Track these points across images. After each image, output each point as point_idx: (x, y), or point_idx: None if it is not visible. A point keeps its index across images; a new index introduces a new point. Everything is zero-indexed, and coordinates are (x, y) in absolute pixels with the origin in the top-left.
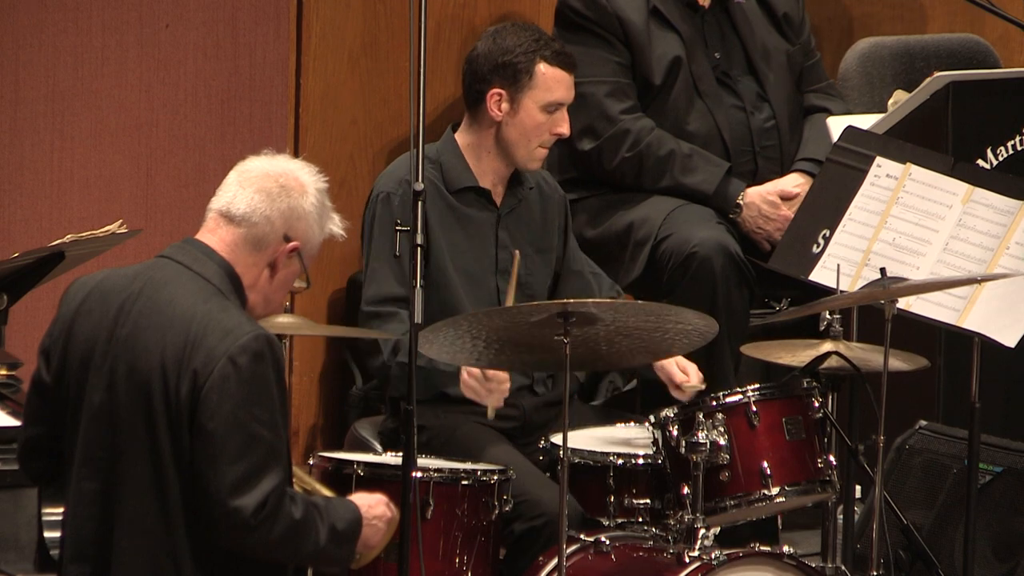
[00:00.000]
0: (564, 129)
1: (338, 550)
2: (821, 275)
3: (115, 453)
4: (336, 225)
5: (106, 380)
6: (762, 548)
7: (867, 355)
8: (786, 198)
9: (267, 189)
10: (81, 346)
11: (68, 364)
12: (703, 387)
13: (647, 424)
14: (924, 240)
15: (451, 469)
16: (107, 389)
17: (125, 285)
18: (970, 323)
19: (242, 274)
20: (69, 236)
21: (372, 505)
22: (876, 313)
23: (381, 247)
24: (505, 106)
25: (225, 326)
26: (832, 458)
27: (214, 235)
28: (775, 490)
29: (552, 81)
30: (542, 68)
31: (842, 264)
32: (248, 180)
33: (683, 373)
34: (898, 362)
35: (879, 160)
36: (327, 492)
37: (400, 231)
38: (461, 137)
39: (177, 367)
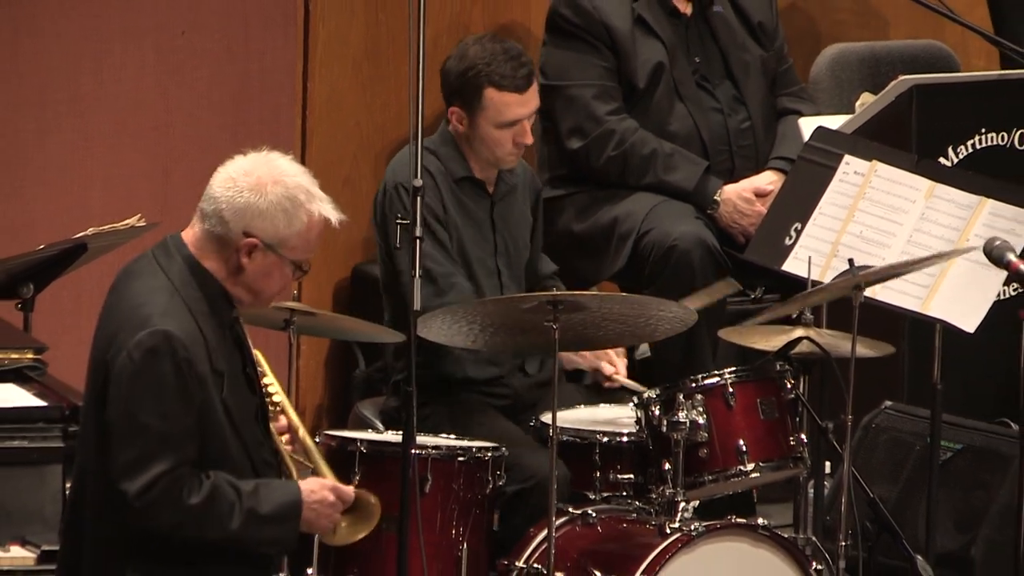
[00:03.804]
0: (526, 139)
1: (260, 532)
2: (793, 265)
3: (83, 439)
4: (329, 212)
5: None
6: (738, 520)
7: (836, 341)
8: (760, 194)
9: (227, 189)
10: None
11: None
12: (626, 380)
13: (631, 404)
14: (889, 233)
15: (448, 446)
16: (87, 371)
17: (120, 273)
18: (932, 309)
19: (212, 268)
20: (91, 229)
21: (313, 490)
22: (844, 301)
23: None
24: (465, 122)
25: (136, 321)
26: (803, 436)
27: (191, 230)
28: (750, 466)
29: (501, 105)
30: (491, 93)
31: (812, 255)
32: (220, 181)
33: (611, 365)
34: (865, 348)
35: (847, 158)
36: (327, 471)
37: (400, 224)
38: (453, 130)
39: (103, 359)
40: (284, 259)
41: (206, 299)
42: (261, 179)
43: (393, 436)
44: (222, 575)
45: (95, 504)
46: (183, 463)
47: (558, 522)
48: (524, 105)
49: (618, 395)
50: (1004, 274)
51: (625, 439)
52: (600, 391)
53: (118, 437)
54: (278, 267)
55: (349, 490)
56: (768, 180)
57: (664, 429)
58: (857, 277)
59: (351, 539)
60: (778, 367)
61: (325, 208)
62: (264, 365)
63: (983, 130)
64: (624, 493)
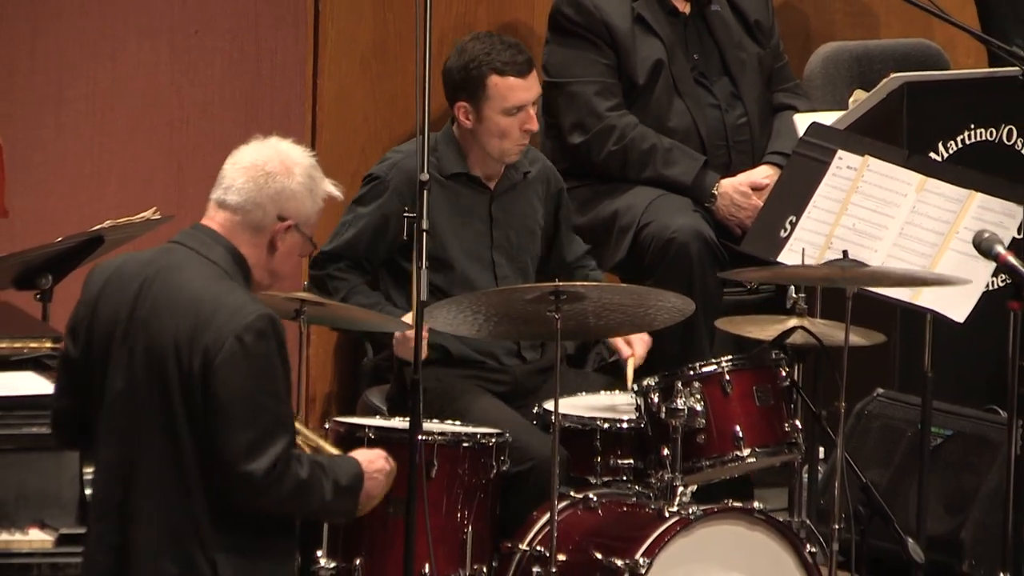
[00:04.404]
0: (532, 125)
1: (342, 502)
2: (788, 257)
3: (134, 425)
4: (332, 189)
5: (126, 358)
6: (735, 504)
7: (829, 330)
8: (756, 188)
9: (255, 178)
10: (104, 326)
11: (93, 342)
12: (629, 369)
13: (631, 391)
14: (881, 225)
15: (453, 432)
16: (127, 367)
17: (141, 270)
18: (923, 300)
19: (246, 255)
20: (108, 222)
21: (372, 460)
22: (838, 292)
23: (353, 217)
24: (472, 116)
25: (232, 307)
26: (798, 423)
27: (214, 222)
28: (747, 451)
29: (506, 90)
30: (495, 80)
31: (807, 247)
32: (238, 171)
33: (628, 347)
34: (857, 338)
35: (840, 153)
36: (333, 451)
37: (407, 217)
38: (456, 130)
39: (189, 345)
40: (305, 237)
41: (247, 285)
42: (284, 163)
43: (400, 422)
44: (284, 551)
45: (158, 487)
46: (293, 440)
47: (560, 506)
48: (528, 90)
49: (619, 383)
50: (993, 265)
51: (625, 425)
52: (599, 381)
53: (235, 420)
54: (299, 246)
55: (388, 458)
56: (764, 174)
57: (663, 416)
58: (843, 273)
59: (370, 508)
60: (773, 356)
61: (330, 185)
62: None
63: (972, 126)
64: (624, 478)
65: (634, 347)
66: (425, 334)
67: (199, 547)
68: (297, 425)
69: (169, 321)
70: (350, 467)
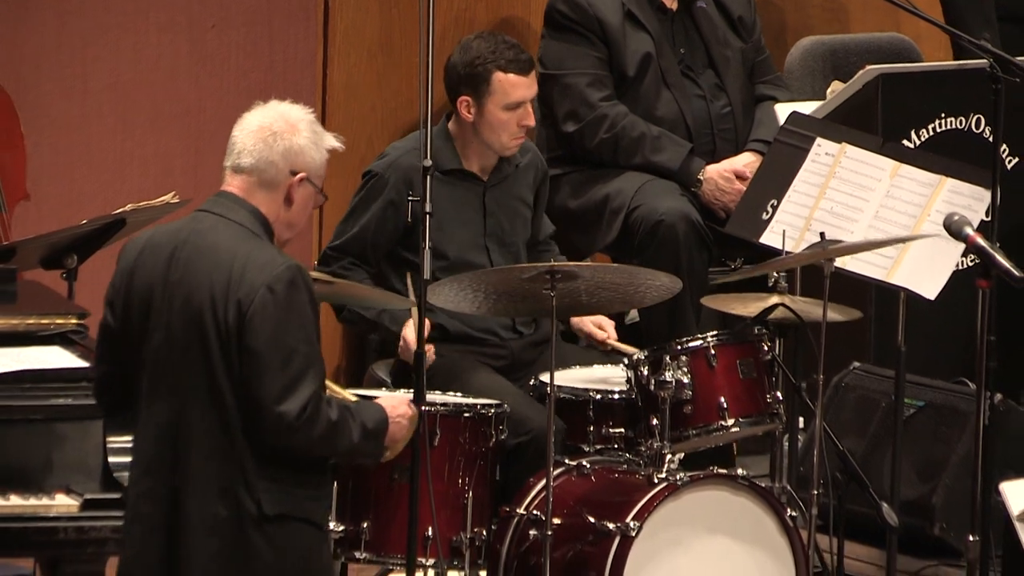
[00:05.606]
0: (529, 121)
1: (369, 444)
2: (769, 238)
3: (179, 382)
4: (333, 141)
5: (164, 319)
6: (719, 471)
7: (808, 307)
8: (740, 177)
9: (264, 138)
10: (141, 293)
11: (131, 310)
12: (617, 344)
13: (622, 365)
14: (857, 208)
15: (455, 403)
16: (166, 326)
17: (172, 238)
18: (897, 278)
19: (266, 212)
20: (129, 205)
21: (395, 405)
22: (817, 271)
23: (356, 214)
24: (473, 110)
25: (262, 261)
26: (779, 394)
27: (230, 187)
28: (731, 421)
29: (508, 86)
30: (499, 76)
31: (787, 229)
32: (247, 135)
33: (601, 330)
34: (835, 314)
35: (819, 140)
36: (352, 398)
37: (411, 201)
38: (452, 127)
39: (224, 299)
40: (316, 188)
41: (271, 241)
42: (288, 122)
43: (405, 394)
44: (320, 483)
45: (205, 436)
46: (323, 384)
47: (555, 472)
48: (528, 87)
49: (610, 356)
50: (962, 246)
51: (616, 396)
52: (592, 354)
53: (268, 364)
54: (312, 197)
55: (411, 403)
56: (746, 161)
57: (652, 388)
58: (819, 253)
59: (396, 453)
60: (756, 331)
61: (331, 138)
62: None
63: (943, 115)
64: (616, 446)
65: (607, 330)
66: (428, 330)
67: (244, 487)
68: None
69: (204, 279)
70: (376, 411)
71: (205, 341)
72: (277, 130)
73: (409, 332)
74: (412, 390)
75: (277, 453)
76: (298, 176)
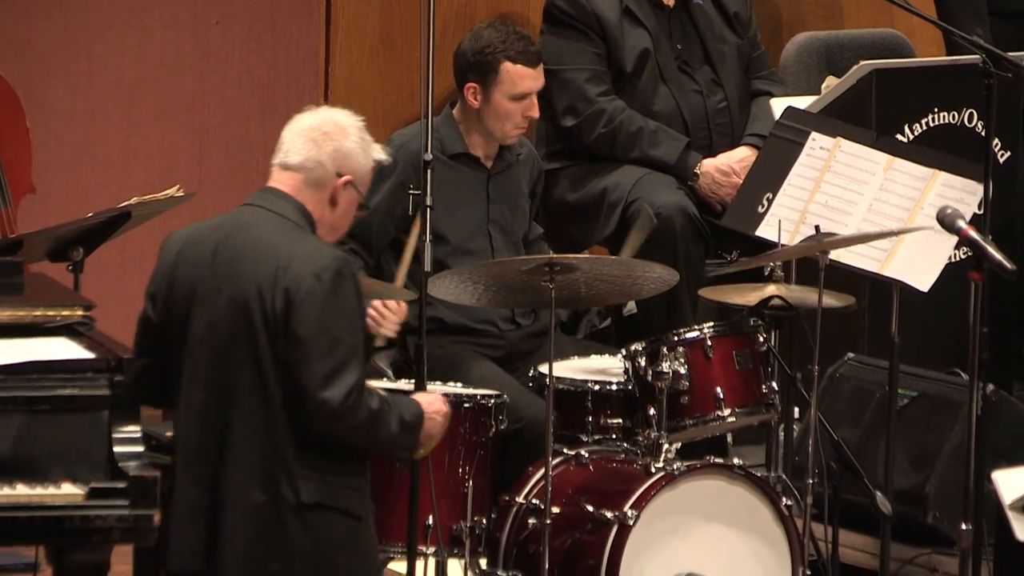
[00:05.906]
0: (534, 112)
1: (406, 437)
2: (765, 231)
3: (225, 370)
4: (379, 153)
5: (209, 310)
6: (716, 460)
7: (805, 294)
8: (735, 172)
9: (314, 139)
10: (184, 286)
11: (173, 303)
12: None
13: (620, 356)
14: (852, 202)
15: (455, 394)
16: (211, 317)
17: (214, 232)
18: (890, 271)
19: (311, 211)
20: (134, 199)
21: (431, 402)
22: (812, 263)
23: (366, 195)
24: (480, 97)
25: (308, 251)
26: (775, 385)
27: (277, 183)
28: (727, 411)
29: (516, 77)
30: (507, 66)
31: (783, 222)
32: (297, 135)
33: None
34: (830, 300)
35: (814, 135)
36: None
37: (412, 194)
38: (456, 113)
39: (272, 288)
40: (359, 194)
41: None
42: (339, 125)
43: (405, 385)
44: (357, 472)
45: (249, 423)
46: (366, 373)
47: (554, 462)
48: (535, 79)
49: (608, 347)
50: (955, 239)
51: (614, 387)
52: (590, 346)
53: (314, 352)
54: (353, 204)
55: (446, 401)
56: (742, 155)
57: (649, 378)
58: (814, 246)
59: (428, 451)
60: (752, 322)
61: (378, 150)
62: None
63: (936, 109)
64: (613, 436)
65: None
66: (404, 315)
67: (284, 475)
68: None
69: (250, 269)
70: (412, 406)
71: (252, 331)
72: (327, 131)
73: (378, 305)
74: (413, 381)
75: (318, 443)
76: (344, 178)
